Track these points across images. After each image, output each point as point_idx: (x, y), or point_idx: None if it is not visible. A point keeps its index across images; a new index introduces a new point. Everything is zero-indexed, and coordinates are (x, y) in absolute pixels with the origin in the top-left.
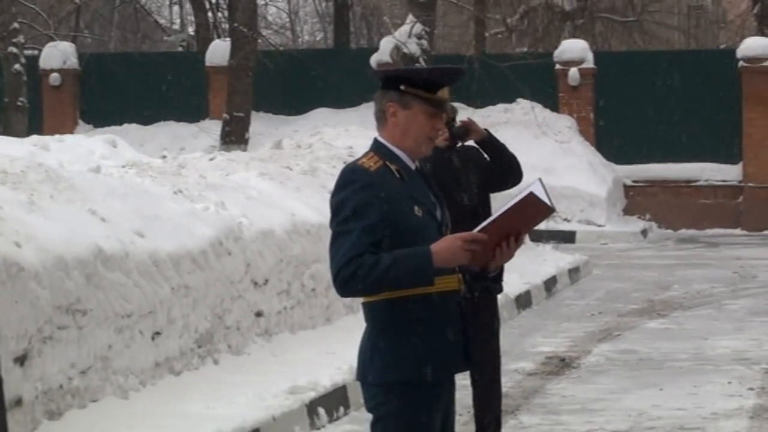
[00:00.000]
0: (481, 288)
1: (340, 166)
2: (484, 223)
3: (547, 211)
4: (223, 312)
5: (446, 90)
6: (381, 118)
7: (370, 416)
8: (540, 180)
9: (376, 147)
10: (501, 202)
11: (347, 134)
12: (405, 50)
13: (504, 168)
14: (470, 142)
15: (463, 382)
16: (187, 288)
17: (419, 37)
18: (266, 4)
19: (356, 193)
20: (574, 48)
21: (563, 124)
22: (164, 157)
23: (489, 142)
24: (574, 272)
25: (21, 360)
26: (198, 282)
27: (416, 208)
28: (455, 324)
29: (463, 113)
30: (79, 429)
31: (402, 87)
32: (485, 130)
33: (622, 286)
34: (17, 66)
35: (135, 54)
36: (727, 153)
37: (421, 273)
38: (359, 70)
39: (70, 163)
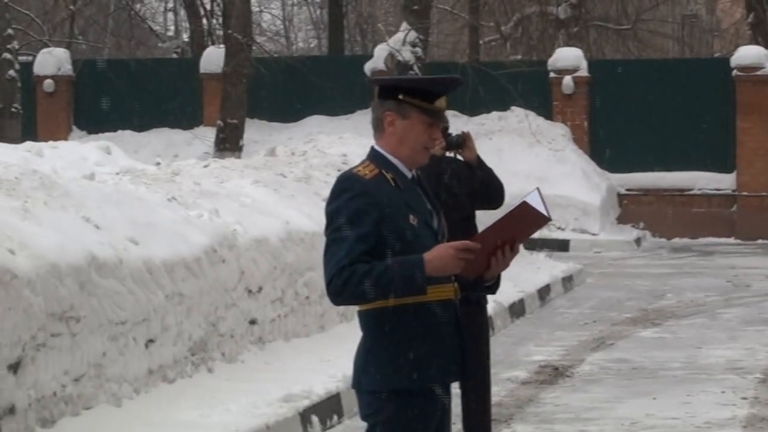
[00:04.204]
0: (475, 297)
1: (335, 174)
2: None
3: (543, 220)
4: (216, 320)
5: (443, 99)
6: (378, 127)
7: (364, 424)
8: (538, 189)
9: (373, 155)
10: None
11: (341, 142)
12: (399, 58)
13: (488, 191)
14: (460, 158)
15: (454, 390)
16: (181, 295)
17: (413, 44)
18: (261, 11)
19: (350, 202)
20: (568, 56)
21: (557, 132)
22: (158, 164)
23: (477, 166)
24: (567, 281)
25: (14, 367)
26: (192, 289)
27: (411, 216)
28: (451, 333)
29: (458, 121)
30: None
31: (400, 96)
32: (476, 155)
33: (615, 295)
34: (11, 72)
35: (129, 61)
36: (720, 162)
37: (412, 282)
38: (353, 78)
39: (64, 169)
